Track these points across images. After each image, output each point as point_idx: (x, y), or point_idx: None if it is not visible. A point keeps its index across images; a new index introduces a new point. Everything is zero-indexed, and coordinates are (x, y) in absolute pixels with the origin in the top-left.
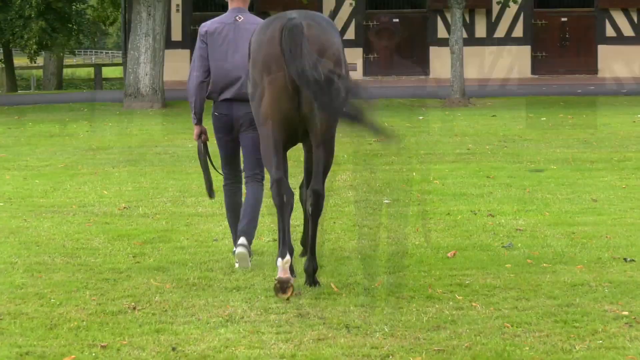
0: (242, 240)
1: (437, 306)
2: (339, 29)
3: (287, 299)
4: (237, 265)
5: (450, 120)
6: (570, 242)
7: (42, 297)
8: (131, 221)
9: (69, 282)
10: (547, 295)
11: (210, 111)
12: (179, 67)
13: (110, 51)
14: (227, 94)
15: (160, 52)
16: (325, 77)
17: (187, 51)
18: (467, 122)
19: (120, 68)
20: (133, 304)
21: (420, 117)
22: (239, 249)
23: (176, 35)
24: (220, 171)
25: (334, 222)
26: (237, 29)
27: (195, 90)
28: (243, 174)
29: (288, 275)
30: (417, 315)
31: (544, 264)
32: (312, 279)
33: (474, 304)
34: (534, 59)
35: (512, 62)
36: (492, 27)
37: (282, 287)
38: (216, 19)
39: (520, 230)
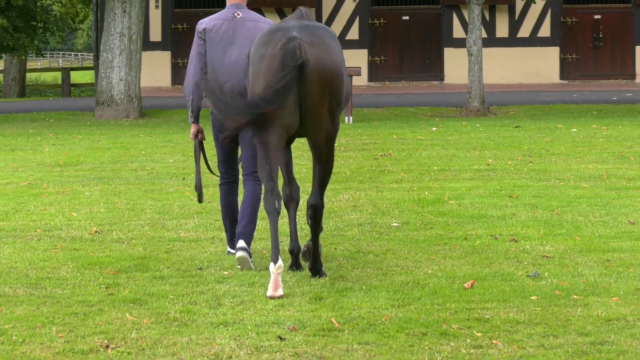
0: (241, 243)
1: (452, 344)
2: (341, 28)
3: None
4: (239, 267)
5: (467, 131)
6: (604, 271)
7: (2, 334)
8: (104, 247)
9: (33, 316)
10: (578, 331)
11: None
12: (159, 72)
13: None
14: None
15: (137, 54)
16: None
17: (168, 53)
18: (487, 133)
19: (91, 72)
20: (106, 341)
21: (434, 129)
22: (240, 253)
23: (155, 35)
24: (217, 172)
25: (335, 248)
26: (236, 26)
27: (193, 89)
28: (241, 172)
29: (279, 290)
30: (430, 355)
31: (575, 296)
32: (319, 271)
33: (494, 341)
34: (563, 61)
35: (538, 66)
36: (515, 25)
37: (274, 290)
38: (214, 15)
39: (547, 257)
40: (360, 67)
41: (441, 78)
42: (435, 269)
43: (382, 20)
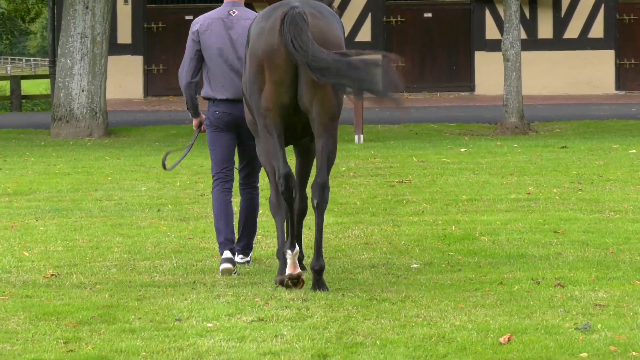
0: (241, 259)
1: None
2: (349, 27)
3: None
4: (220, 274)
5: (503, 153)
6: None
7: None
8: (62, 294)
9: None
10: None
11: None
12: (128, 81)
13: (32, 58)
14: (227, 94)
15: (102, 59)
16: (336, 60)
17: (139, 58)
18: (527, 155)
19: (47, 81)
20: None
21: (463, 149)
22: (225, 265)
23: (124, 36)
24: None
25: (343, 295)
26: (232, 25)
27: (185, 90)
28: (236, 176)
29: (298, 270)
30: None
31: (634, 352)
32: (319, 279)
33: None
34: (619, 68)
35: (589, 73)
36: (561, 24)
37: (293, 282)
38: (209, 13)
39: (600, 305)
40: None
41: (471, 88)
42: (464, 320)
43: (399, 18)
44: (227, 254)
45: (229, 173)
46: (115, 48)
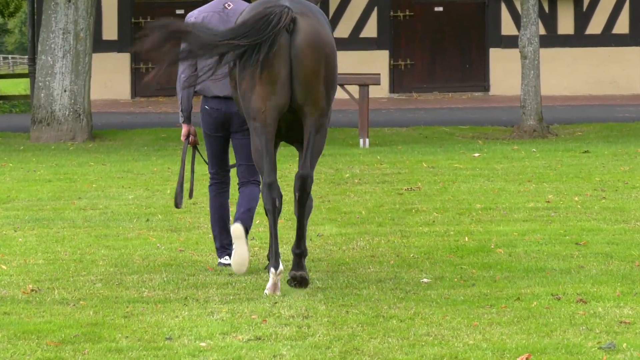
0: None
1: None
2: (353, 23)
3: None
4: (233, 240)
5: (520, 158)
6: None
7: None
8: (42, 310)
9: None
10: None
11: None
12: (115, 81)
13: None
14: (218, 91)
15: (86, 57)
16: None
17: (126, 56)
18: (546, 160)
19: (26, 81)
20: None
21: (476, 154)
22: (236, 225)
23: (110, 32)
24: (207, 166)
25: (347, 312)
26: (228, 18)
27: (183, 87)
28: (233, 173)
29: (277, 292)
30: None
31: None
32: (299, 262)
33: None
34: None
35: (613, 72)
36: (583, 19)
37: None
38: (203, 7)
39: (625, 323)
40: (379, 74)
41: (485, 88)
42: (478, 339)
43: (407, 13)
44: (225, 259)
45: (224, 174)
46: (100, 45)
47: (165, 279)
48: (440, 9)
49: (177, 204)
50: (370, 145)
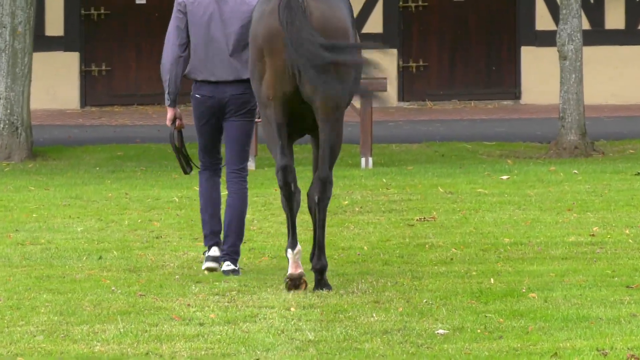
0: (227, 265)
1: None
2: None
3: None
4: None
5: (558, 181)
6: None
7: None
8: None
9: None
10: None
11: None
12: (60, 85)
13: None
14: (209, 74)
15: (25, 56)
16: (321, 56)
17: (75, 55)
18: (590, 185)
19: None
20: None
21: (505, 177)
22: (209, 264)
23: (54, 26)
24: (197, 164)
25: None
26: None
27: (171, 67)
28: (224, 168)
29: (300, 269)
30: None
31: None
32: (321, 279)
33: None
34: None
35: None
36: (636, 11)
37: (294, 283)
38: None
39: None
40: (385, 79)
41: (516, 95)
42: None
43: (420, 2)
44: (213, 250)
45: (216, 162)
46: (43, 42)
47: (121, 330)
48: None
49: (185, 171)
50: (374, 165)
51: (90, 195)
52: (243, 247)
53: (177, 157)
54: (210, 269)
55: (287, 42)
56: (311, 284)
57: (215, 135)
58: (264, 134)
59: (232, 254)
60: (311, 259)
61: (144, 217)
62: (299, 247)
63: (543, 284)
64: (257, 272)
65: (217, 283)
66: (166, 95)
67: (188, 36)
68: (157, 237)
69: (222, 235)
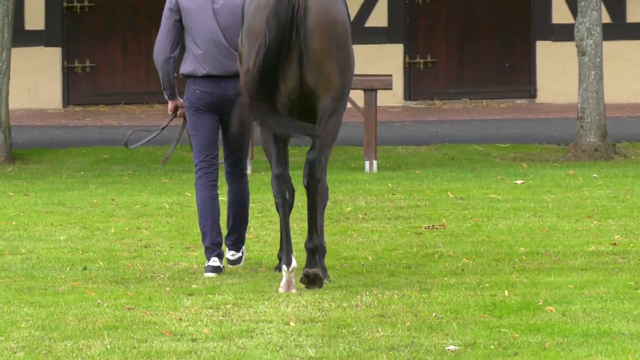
0: (232, 255)
1: None
2: (357, 8)
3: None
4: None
5: (577, 186)
6: None
7: None
8: None
9: None
10: None
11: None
12: (41, 84)
13: None
14: (208, 69)
15: (3, 52)
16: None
17: (57, 51)
18: (611, 189)
19: None
20: None
21: (519, 181)
22: (209, 274)
23: (34, 19)
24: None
25: None
26: None
27: (162, 67)
28: (222, 165)
29: (293, 291)
30: None
31: None
32: (313, 259)
33: None
34: None
35: None
36: None
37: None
38: None
39: None
40: (390, 76)
41: (531, 93)
42: None
43: None
44: (213, 261)
45: (213, 162)
46: (22, 36)
47: (108, 346)
48: None
49: (127, 144)
50: (379, 169)
51: (74, 202)
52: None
53: (174, 142)
54: (210, 279)
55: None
56: (299, 275)
57: (213, 133)
58: (260, 135)
59: (236, 243)
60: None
61: (132, 224)
62: (294, 263)
63: (561, 297)
64: (254, 283)
65: (210, 296)
66: (163, 91)
67: (179, 35)
68: (146, 246)
69: (223, 241)
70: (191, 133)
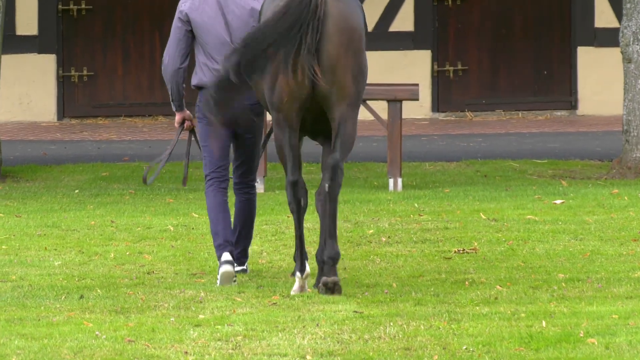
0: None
1: None
2: (380, 12)
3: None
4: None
5: (621, 207)
6: None
7: None
8: None
9: None
10: None
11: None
12: (34, 94)
13: None
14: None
15: None
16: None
17: (51, 58)
18: None
19: None
20: None
21: (558, 201)
22: (225, 267)
23: (26, 24)
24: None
25: None
26: (226, 2)
27: (171, 78)
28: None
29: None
30: None
31: None
32: (331, 268)
33: None
34: None
35: None
36: None
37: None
38: None
39: None
40: (416, 85)
41: (571, 105)
42: None
43: None
44: (226, 256)
45: (224, 172)
46: (13, 42)
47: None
48: None
49: (145, 179)
50: (404, 187)
51: (70, 224)
52: (251, 284)
53: (163, 158)
54: (226, 275)
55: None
56: (313, 281)
57: (226, 144)
58: (275, 140)
59: (241, 258)
60: (317, 254)
61: (133, 248)
62: (308, 270)
63: (604, 328)
64: (267, 313)
65: (219, 327)
66: (171, 103)
67: (189, 46)
68: (148, 273)
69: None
70: (202, 144)
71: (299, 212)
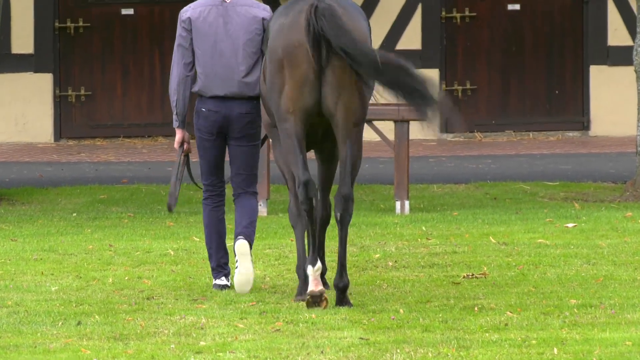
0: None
1: None
2: (387, 28)
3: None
4: (236, 259)
5: (635, 230)
6: None
7: None
8: None
9: None
10: None
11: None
12: (30, 114)
13: None
14: (218, 90)
15: None
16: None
17: (48, 77)
18: None
19: None
20: None
21: (570, 225)
22: (240, 241)
23: (22, 42)
24: (200, 184)
25: None
26: (227, 12)
27: (178, 87)
28: (228, 185)
29: (320, 287)
30: None
31: None
32: (343, 297)
33: None
34: None
35: None
36: None
37: (314, 301)
38: (199, 1)
39: None
40: None
41: (584, 125)
42: None
43: (467, 13)
44: (221, 280)
45: (220, 184)
46: (9, 61)
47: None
48: (517, 7)
49: (170, 208)
50: (412, 210)
51: (67, 248)
52: (253, 310)
53: (173, 184)
54: (240, 248)
55: (335, 44)
56: (332, 300)
57: (221, 153)
58: (279, 150)
59: (246, 233)
60: (297, 269)
61: (132, 273)
62: (319, 263)
63: (617, 355)
64: (270, 340)
65: (221, 354)
66: (174, 117)
67: (194, 54)
68: (148, 298)
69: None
70: (199, 154)
71: (310, 212)
